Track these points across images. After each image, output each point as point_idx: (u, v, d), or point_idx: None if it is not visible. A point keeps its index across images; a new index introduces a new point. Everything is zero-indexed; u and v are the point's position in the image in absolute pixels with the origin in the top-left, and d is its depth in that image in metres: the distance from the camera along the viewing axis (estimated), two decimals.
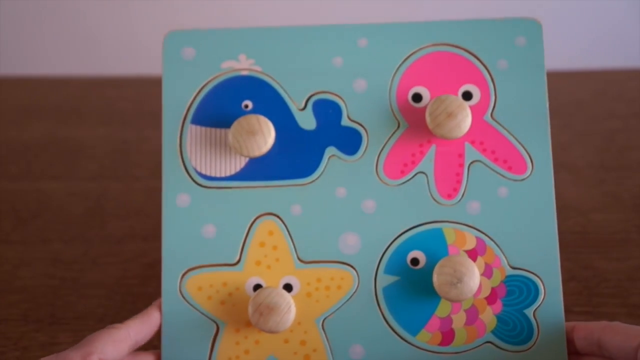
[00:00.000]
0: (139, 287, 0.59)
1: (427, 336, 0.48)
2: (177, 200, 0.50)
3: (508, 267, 0.48)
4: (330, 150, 0.50)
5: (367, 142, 0.50)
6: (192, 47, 0.51)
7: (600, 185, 0.64)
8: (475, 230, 0.49)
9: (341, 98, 0.50)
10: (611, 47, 0.92)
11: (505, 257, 0.48)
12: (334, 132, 0.50)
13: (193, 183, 0.50)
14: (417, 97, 0.50)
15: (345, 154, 0.50)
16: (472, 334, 0.48)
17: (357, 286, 0.49)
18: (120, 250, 0.61)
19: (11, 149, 0.70)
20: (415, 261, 0.49)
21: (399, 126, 0.50)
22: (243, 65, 0.51)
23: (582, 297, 0.57)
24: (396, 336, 0.48)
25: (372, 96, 0.50)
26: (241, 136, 0.48)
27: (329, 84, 0.51)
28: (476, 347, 0.48)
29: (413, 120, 0.50)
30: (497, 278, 0.48)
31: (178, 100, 0.51)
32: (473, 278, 0.46)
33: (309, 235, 0.49)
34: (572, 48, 0.92)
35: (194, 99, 0.51)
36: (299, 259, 0.49)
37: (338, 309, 0.48)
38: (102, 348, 0.44)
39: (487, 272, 0.48)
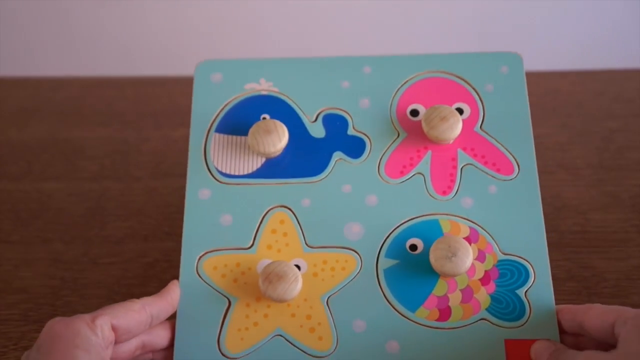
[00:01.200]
0: (139, 287, 0.60)
1: (425, 312, 0.51)
2: (199, 194, 0.55)
3: (500, 252, 0.52)
4: (338, 155, 0.56)
5: (371, 148, 0.56)
6: (220, 72, 0.59)
7: (599, 185, 0.65)
8: (468, 222, 0.53)
9: (347, 113, 0.57)
10: (610, 47, 0.93)
11: (497, 244, 0.53)
12: (341, 139, 0.57)
13: (214, 180, 0.56)
14: (415, 112, 0.57)
15: (350, 158, 0.56)
16: (467, 311, 0.51)
17: (360, 268, 0.53)
18: (120, 251, 0.62)
19: (12, 150, 0.71)
20: (413, 247, 0.53)
21: (398, 135, 0.57)
22: (263, 87, 0.59)
23: (581, 297, 0.58)
24: (396, 312, 0.51)
25: (375, 111, 0.57)
26: (259, 134, 0.55)
27: (337, 101, 0.58)
28: (472, 323, 0.51)
29: (411, 131, 0.57)
30: (490, 262, 0.52)
31: (205, 114, 0.58)
32: (467, 254, 0.50)
33: (317, 224, 0.54)
34: (572, 48, 0.92)
35: (219, 113, 0.58)
36: (306, 244, 0.53)
37: (342, 287, 0.52)
38: (115, 313, 0.47)
39: (480, 257, 0.52)
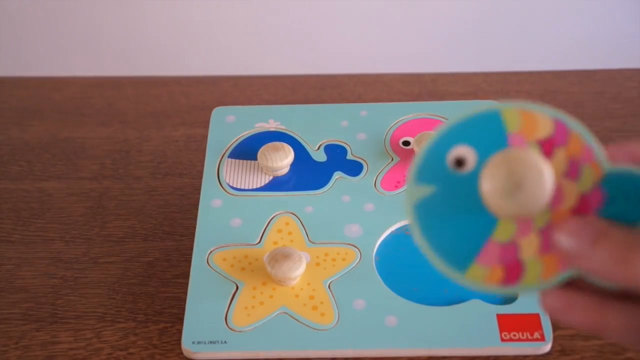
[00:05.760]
0: (139, 287, 0.59)
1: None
2: (212, 203, 0.61)
3: (605, 162, 0.33)
4: (338, 174, 0.62)
5: (367, 169, 0.63)
6: (233, 115, 0.67)
7: None
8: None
9: (346, 143, 0.65)
10: (610, 48, 0.92)
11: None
12: (341, 163, 0.63)
13: (225, 193, 0.61)
14: (406, 143, 0.65)
15: (349, 176, 0.62)
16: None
17: (359, 260, 0.57)
18: (120, 250, 0.62)
19: (13, 149, 0.71)
20: (460, 162, 0.34)
21: (392, 159, 0.63)
22: (271, 125, 0.66)
23: None
24: (394, 294, 0.55)
25: (371, 142, 0.65)
26: (268, 151, 0.62)
27: (337, 135, 0.65)
28: (465, 302, 0.54)
29: (404, 156, 0.64)
30: (588, 179, 0.33)
31: (219, 145, 0.65)
32: (542, 181, 0.31)
33: (319, 225, 0.59)
34: (572, 48, 0.91)
35: (232, 144, 0.65)
36: (309, 240, 0.58)
37: (343, 275, 0.56)
38: None
39: (571, 172, 0.33)
